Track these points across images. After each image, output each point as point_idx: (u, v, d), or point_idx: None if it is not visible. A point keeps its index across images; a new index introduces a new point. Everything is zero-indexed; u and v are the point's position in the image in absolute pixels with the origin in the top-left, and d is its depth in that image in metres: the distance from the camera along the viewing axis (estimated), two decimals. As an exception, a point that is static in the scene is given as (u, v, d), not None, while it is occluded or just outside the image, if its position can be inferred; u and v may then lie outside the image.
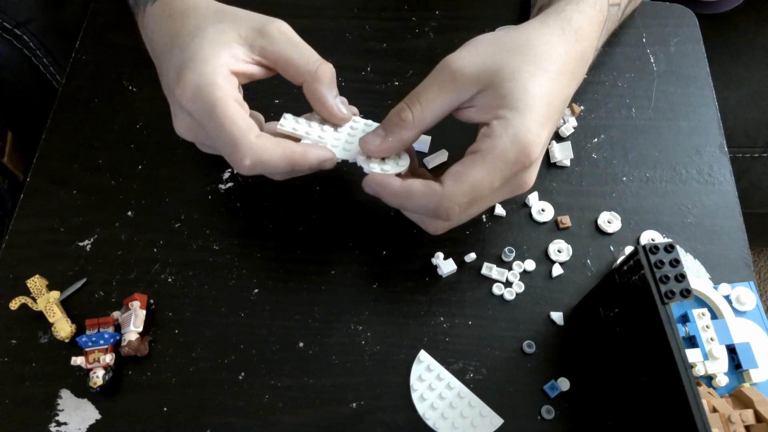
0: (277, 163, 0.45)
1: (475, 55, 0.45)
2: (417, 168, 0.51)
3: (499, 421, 0.48)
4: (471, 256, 0.54)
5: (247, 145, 0.44)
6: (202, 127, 0.45)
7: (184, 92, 0.44)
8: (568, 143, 0.58)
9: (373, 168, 0.47)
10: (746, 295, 0.49)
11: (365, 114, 0.60)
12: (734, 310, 0.49)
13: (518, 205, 0.56)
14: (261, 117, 0.50)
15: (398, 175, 0.47)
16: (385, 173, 0.47)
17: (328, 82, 0.48)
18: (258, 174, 0.46)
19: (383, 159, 0.48)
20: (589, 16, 0.50)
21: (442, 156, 0.57)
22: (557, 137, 0.59)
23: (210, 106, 0.43)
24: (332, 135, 0.49)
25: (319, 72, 0.47)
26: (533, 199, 0.56)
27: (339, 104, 0.49)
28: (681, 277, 0.39)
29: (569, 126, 0.59)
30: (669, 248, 0.40)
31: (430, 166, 0.57)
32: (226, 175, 0.57)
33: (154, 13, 0.50)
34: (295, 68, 0.47)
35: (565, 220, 0.55)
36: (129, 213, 0.56)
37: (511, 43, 0.46)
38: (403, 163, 0.48)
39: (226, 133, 0.43)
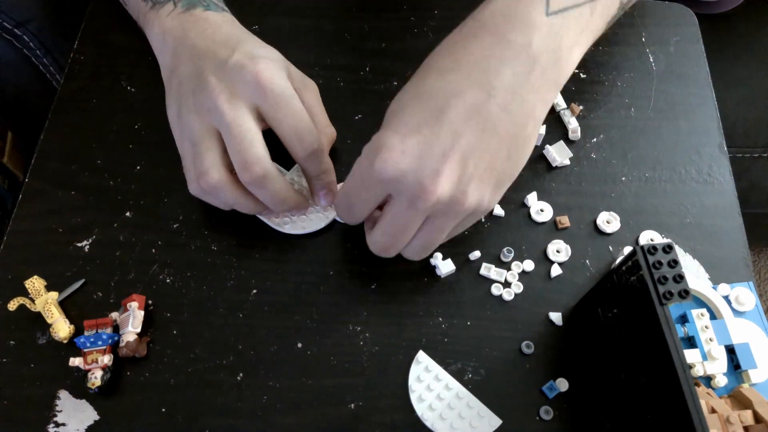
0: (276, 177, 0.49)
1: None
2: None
3: (497, 422, 0.48)
4: (469, 257, 0.54)
5: (314, 137, 0.50)
6: (272, 107, 0.48)
7: (263, 75, 0.48)
8: (562, 143, 0.58)
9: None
10: (745, 295, 0.49)
11: (365, 114, 0.60)
12: (733, 310, 0.49)
13: (517, 205, 0.56)
14: None
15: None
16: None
17: (331, 142, 0.56)
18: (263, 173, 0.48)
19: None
20: None
21: None
22: (566, 140, 0.59)
23: (289, 94, 0.49)
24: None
25: (329, 130, 0.56)
26: (532, 199, 0.56)
27: (323, 192, 0.53)
28: (679, 278, 0.39)
29: (575, 128, 0.59)
30: (667, 249, 0.40)
31: None
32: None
33: (209, 17, 0.54)
34: (316, 119, 0.54)
35: (564, 221, 0.55)
36: (127, 214, 0.56)
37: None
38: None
39: (305, 121, 0.49)
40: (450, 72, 0.43)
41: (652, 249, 0.40)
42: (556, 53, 0.43)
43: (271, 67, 0.49)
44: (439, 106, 0.42)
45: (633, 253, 0.41)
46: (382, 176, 0.42)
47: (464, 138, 0.41)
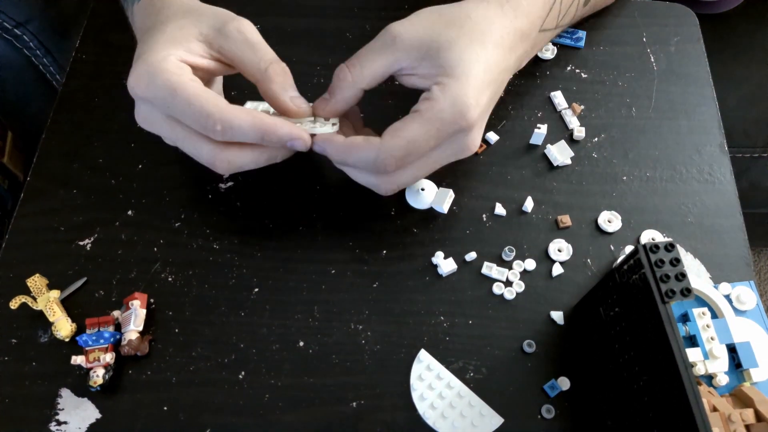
0: (247, 129, 0.46)
1: (416, 23, 0.49)
2: (361, 128, 0.55)
3: (499, 421, 0.48)
4: (471, 256, 0.54)
5: (218, 111, 0.45)
6: (166, 108, 0.46)
7: (138, 82, 0.46)
8: (563, 143, 0.58)
9: (315, 129, 0.50)
10: (746, 294, 0.49)
11: (366, 113, 0.60)
12: (734, 309, 0.49)
13: (518, 205, 0.56)
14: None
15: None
16: (324, 132, 0.50)
17: (279, 80, 0.49)
18: (229, 144, 0.47)
19: (324, 121, 0.51)
20: None
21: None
22: (570, 139, 0.59)
23: (170, 89, 0.45)
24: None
25: (269, 72, 0.49)
26: (528, 202, 0.56)
27: (294, 99, 0.50)
28: (681, 276, 0.39)
29: (580, 128, 0.59)
30: (669, 247, 0.40)
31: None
32: (227, 174, 0.57)
33: (136, 10, 0.53)
34: (248, 68, 0.49)
35: (566, 220, 0.55)
36: (129, 212, 0.56)
37: (450, 15, 0.49)
38: (335, 123, 0.51)
39: (195, 107, 0.45)
40: (498, 48, 0.49)
41: (654, 247, 0.40)
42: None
43: (142, 75, 0.46)
44: (494, 76, 0.49)
45: (635, 252, 0.41)
46: (462, 127, 0.46)
47: (495, 98, 0.51)
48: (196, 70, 0.48)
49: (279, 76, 0.49)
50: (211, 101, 0.45)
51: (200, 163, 0.49)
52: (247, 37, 0.49)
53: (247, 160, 0.48)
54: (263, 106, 0.54)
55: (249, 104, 0.54)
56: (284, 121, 0.48)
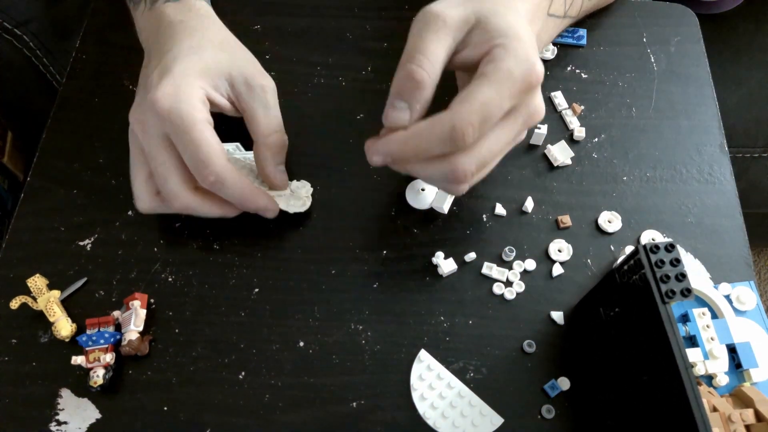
0: (232, 191, 0.49)
1: (452, 1, 0.46)
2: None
3: (499, 420, 0.48)
4: (471, 256, 0.54)
5: (219, 165, 0.47)
6: (175, 136, 0.47)
7: (162, 99, 0.47)
8: (563, 143, 0.58)
9: (288, 206, 0.54)
10: (746, 294, 0.49)
11: (366, 113, 0.60)
12: (734, 309, 0.49)
13: (518, 205, 0.56)
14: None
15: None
16: (296, 209, 0.54)
17: (275, 150, 0.53)
18: (200, 199, 0.50)
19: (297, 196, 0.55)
20: None
21: None
22: (570, 140, 0.59)
23: (189, 123, 0.46)
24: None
25: (270, 140, 0.52)
26: (529, 203, 0.56)
27: (278, 173, 0.53)
28: (681, 277, 0.39)
29: (580, 128, 0.59)
30: (669, 248, 0.40)
31: None
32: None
33: (166, 11, 0.54)
34: (256, 126, 0.52)
35: (566, 220, 0.55)
36: (129, 212, 0.56)
37: None
38: (308, 197, 0.55)
39: (202, 152, 0.47)
40: (523, 19, 0.48)
41: (655, 248, 0.40)
42: None
43: (169, 95, 0.47)
44: (534, 40, 0.47)
45: (635, 252, 0.41)
46: (533, 83, 0.44)
47: None
48: (212, 105, 0.50)
49: (276, 147, 0.53)
50: (217, 153, 0.47)
51: (141, 185, 0.50)
52: (267, 99, 0.52)
53: (206, 209, 0.51)
54: (232, 149, 0.57)
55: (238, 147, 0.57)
56: (264, 192, 0.52)
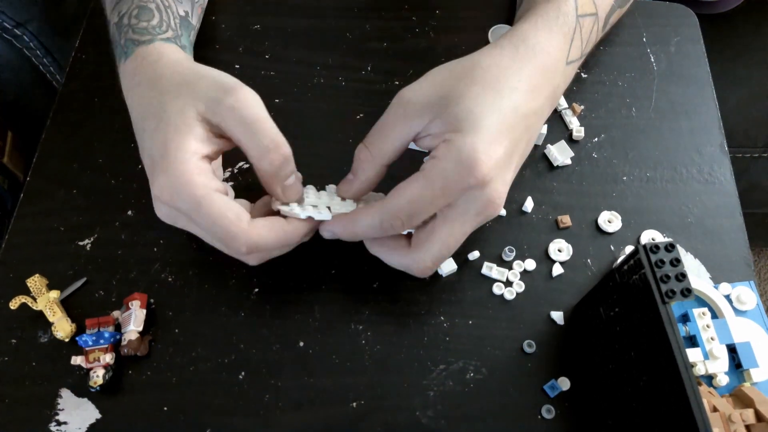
0: (272, 245, 0.46)
1: (425, 84, 0.46)
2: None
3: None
4: (471, 256, 0.54)
5: (242, 233, 0.44)
6: (189, 219, 0.45)
7: (162, 193, 0.44)
8: (563, 143, 0.58)
9: (335, 210, 0.49)
10: (746, 294, 0.49)
11: (366, 113, 0.60)
12: (734, 309, 0.49)
13: (518, 205, 0.56)
14: (246, 202, 0.50)
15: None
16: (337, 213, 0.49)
17: (273, 171, 0.46)
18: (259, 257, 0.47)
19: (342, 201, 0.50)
20: (549, 29, 0.50)
21: None
22: (570, 140, 0.59)
23: (195, 204, 0.43)
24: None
25: (264, 164, 0.46)
26: (529, 203, 0.56)
27: (287, 190, 0.48)
28: (681, 277, 0.39)
29: (580, 128, 0.59)
30: (669, 247, 0.40)
31: None
32: (227, 174, 0.57)
33: (126, 72, 0.50)
34: (246, 152, 0.46)
35: (566, 220, 0.55)
36: (129, 212, 0.56)
37: (461, 69, 0.47)
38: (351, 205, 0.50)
39: (218, 227, 0.44)
40: (516, 91, 0.46)
41: (655, 248, 0.40)
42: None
43: (165, 187, 0.43)
44: (514, 122, 0.46)
45: (635, 252, 0.41)
46: (471, 183, 0.43)
47: (521, 145, 0.47)
48: (210, 157, 0.46)
49: (273, 168, 0.46)
50: (235, 221, 0.44)
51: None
52: (242, 116, 0.45)
53: (276, 253, 0.49)
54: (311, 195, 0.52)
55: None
56: (302, 222, 0.47)
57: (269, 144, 0.45)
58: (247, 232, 0.44)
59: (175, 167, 0.43)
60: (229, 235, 0.44)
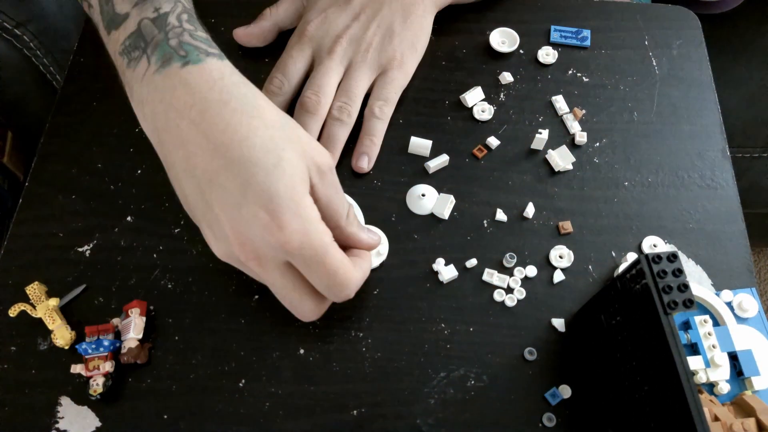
0: (360, 283, 0.47)
1: None
2: None
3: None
4: (472, 262, 0.54)
5: (351, 280, 0.45)
6: (304, 267, 0.44)
7: (292, 237, 0.41)
8: (564, 148, 0.57)
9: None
10: (748, 301, 0.49)
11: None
12: (736, 317, 0.49)
13: (519, 212, 0.56)
14: None
15: None
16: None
17: (357, 222, 0.49)
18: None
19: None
20: None
21: (442, 159, 0.57)
22: (571, 144, 0.59)
23: (323, 250, 0.43)
24: None
25: (350, 217, 0.48)
26: (530, 208, 0.56)
27: (372, 237, 0.50)
28: (684, 287, 0.39)
29: (581, 132, 0.59)
30: (672, 257, 0.40)
31: (431, 171, 0.57)
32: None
33: (191, 79, 0.44)
34: (333, 212, 0.46)
35: (567, 226, 0.55)
36: (128, 218, 0.56)
37: None
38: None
39: (338, 277, 0.44)
40: None
41: (657, 258, 0.40)
42: None
43: (297, 231, 0.42)
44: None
45: (637, 262, 0.41)
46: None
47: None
48: None
49: (355, 218, 0.49)
50: (350, 269, 0.45)
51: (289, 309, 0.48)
52: (334, 180, 0.47)
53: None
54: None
55: None
56: (367, 255, 0.50)
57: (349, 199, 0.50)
58: (353, 278, 0.46)
59: (308, 213, 0.43)
60: (344, 283, 0.45)
